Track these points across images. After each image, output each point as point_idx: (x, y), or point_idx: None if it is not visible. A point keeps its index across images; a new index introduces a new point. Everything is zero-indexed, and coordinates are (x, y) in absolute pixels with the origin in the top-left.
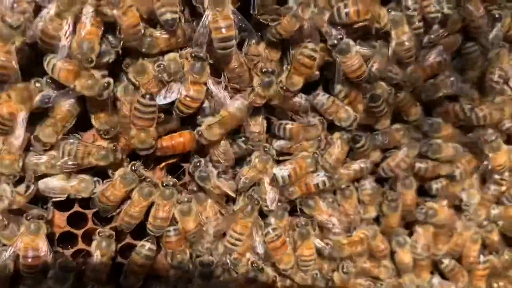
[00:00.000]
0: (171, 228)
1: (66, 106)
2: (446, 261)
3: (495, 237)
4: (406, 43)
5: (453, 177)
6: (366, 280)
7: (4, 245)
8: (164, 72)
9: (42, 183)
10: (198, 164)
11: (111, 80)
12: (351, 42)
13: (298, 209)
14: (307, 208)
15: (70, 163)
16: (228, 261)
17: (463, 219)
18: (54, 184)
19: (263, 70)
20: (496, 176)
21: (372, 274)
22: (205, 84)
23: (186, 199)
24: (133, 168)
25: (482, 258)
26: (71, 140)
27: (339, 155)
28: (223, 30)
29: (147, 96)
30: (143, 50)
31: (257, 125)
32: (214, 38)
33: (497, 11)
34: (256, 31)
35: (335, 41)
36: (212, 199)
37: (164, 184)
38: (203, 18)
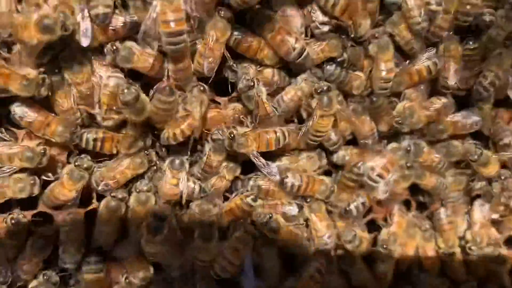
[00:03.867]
0: None
1: None
2: None
3: None
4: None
5: None
6: None
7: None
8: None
9: None
10: None
11: (45, 76)
12: None
13: None
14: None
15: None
16: None
17: None
18: None
19: None
20: None
21: None
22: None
23: None
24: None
25: None
26: None
27: None
28: (172, 24)
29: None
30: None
31: None
32: (162, 32)
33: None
34: None
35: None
36: None
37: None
38: (150, 9)
